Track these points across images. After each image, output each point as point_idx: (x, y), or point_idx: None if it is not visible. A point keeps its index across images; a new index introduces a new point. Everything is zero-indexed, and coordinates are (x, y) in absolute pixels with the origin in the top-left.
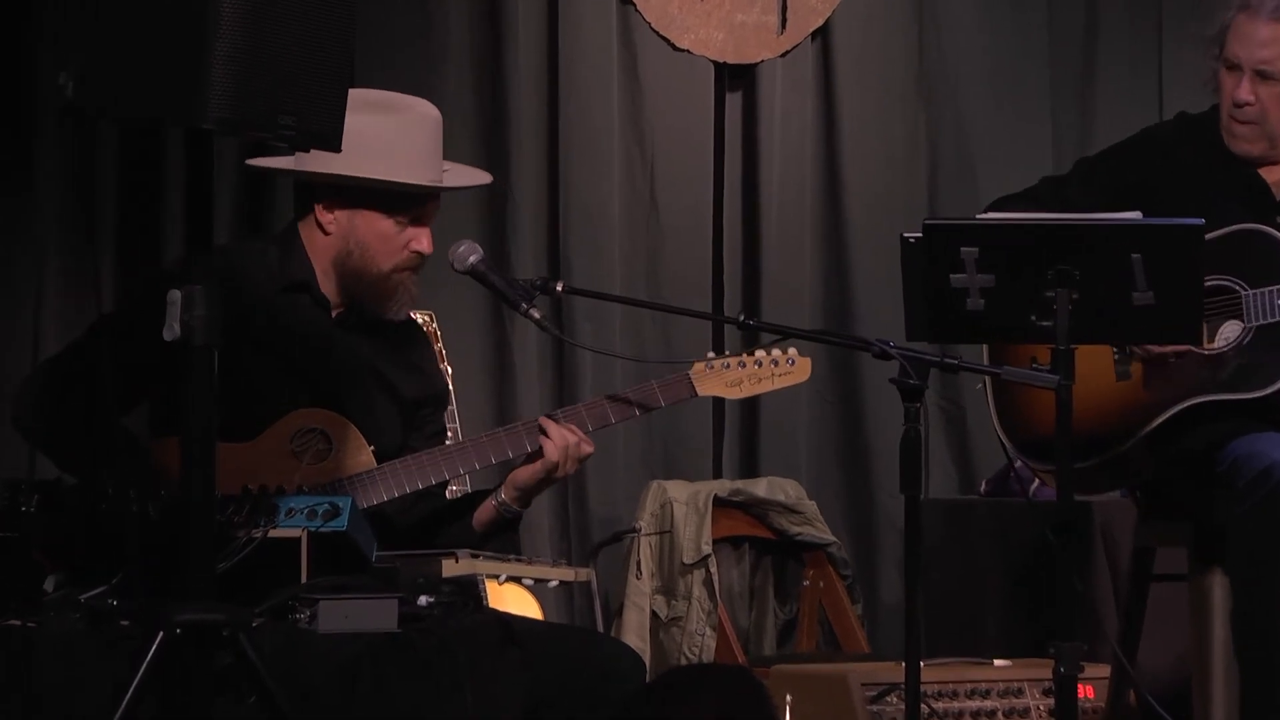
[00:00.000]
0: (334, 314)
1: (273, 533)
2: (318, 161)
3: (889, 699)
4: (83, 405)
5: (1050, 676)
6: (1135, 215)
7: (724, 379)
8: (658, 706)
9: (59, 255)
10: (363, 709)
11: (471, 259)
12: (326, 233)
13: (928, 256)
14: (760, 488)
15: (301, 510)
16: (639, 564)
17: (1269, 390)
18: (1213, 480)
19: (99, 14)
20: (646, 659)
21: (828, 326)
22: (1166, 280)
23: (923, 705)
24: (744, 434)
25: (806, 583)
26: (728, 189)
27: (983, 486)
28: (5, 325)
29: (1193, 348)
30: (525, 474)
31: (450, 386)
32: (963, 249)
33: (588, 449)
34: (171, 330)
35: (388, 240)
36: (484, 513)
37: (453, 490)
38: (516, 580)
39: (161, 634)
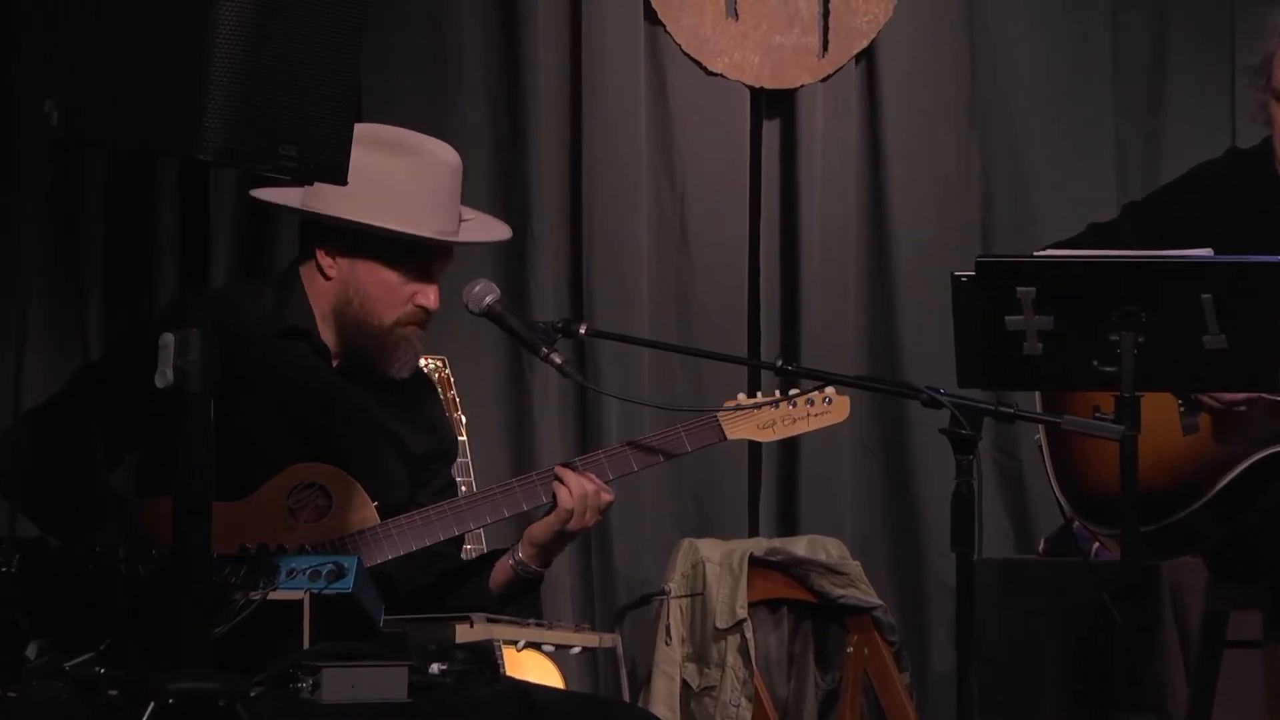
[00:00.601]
0: (334, 363)
1: (273, 595)
2: (323, 201)
3: None
4: (67, 461)
5: None
6: (1206, 252)
7: (755, 420)
8: None
9: (41, 297)
10: None
11: (488, 299)
12: (327, 277)
13: (981, 296)
14: (800, 546)
15: (304, 571)
16: (668, 629)
17: None
18: None
19: (87, 36)
20: None
21: (873, 372)
22: (1240, 322)
23: None
24: (782, 488)
25: (850, 649)
26: (764, 223)
27: (1041, 545)
28: None
29: (1264, 395)
30: (541, 528)
31: (463, 438)
32: (1019, 288)
33: (607, 497)
34: (164, 377)
35: (391, 291)
36: (500, 573)
37: (467, 550)
38: (536, 646)
39: (153, 704)
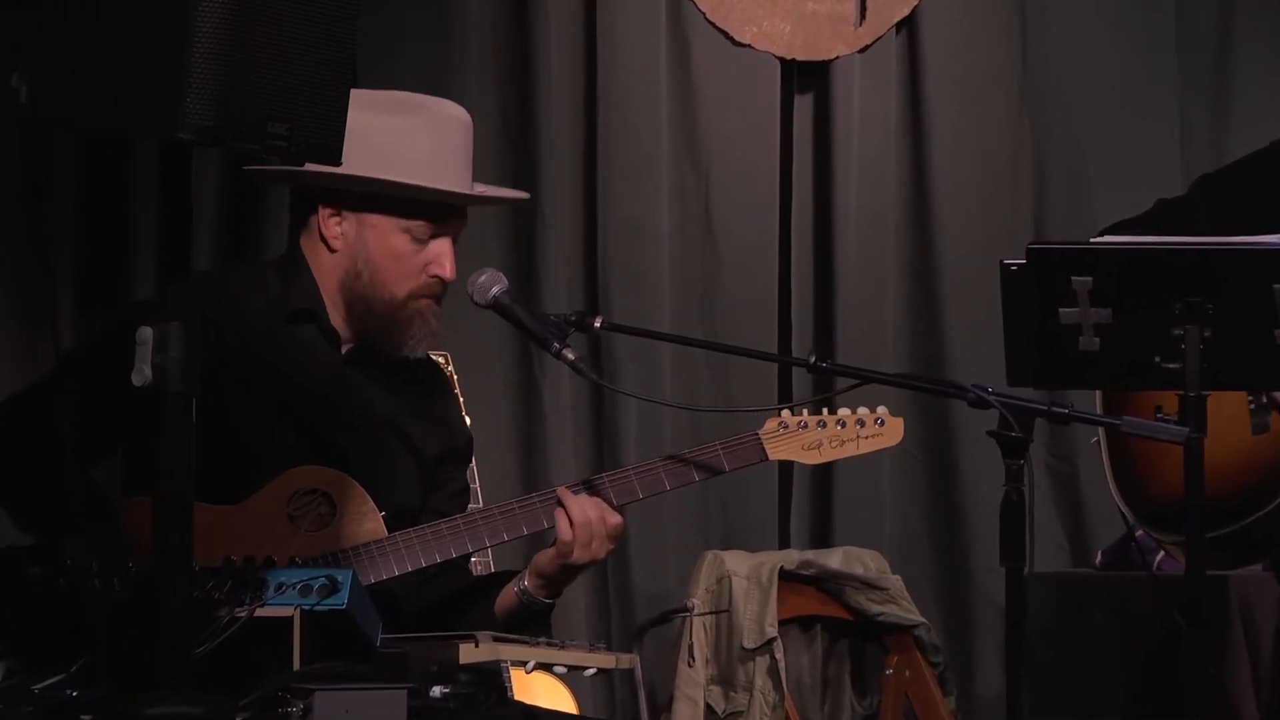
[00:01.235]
0: (344, 350)
1: (260, 611)
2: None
3: None
4: (36, 458)
5: None
6: (1277, 239)
7: (800, 441)
8: None
9: (10, 287)
10: None
11: (494, 290)
12: (332, 249)
13: (1033, 287)
14: (835, 559)
15: (294, 585)
16: (691, 649)
17: None
18: None
19: (59, 6)
20: None
21: (915, 369)
22: None
23: None
24: (815, 496)
25: (890, 671)
26: (796, 208)
27: (1098, 558)
28: None
29: None
30: (545, 559)
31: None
32: (1074, 279)
33: (614, 521)
34: (141, 374)
35: (402, 260)
36: (506, 599)
37: (474, 564)
38: (547, 668)
39: None
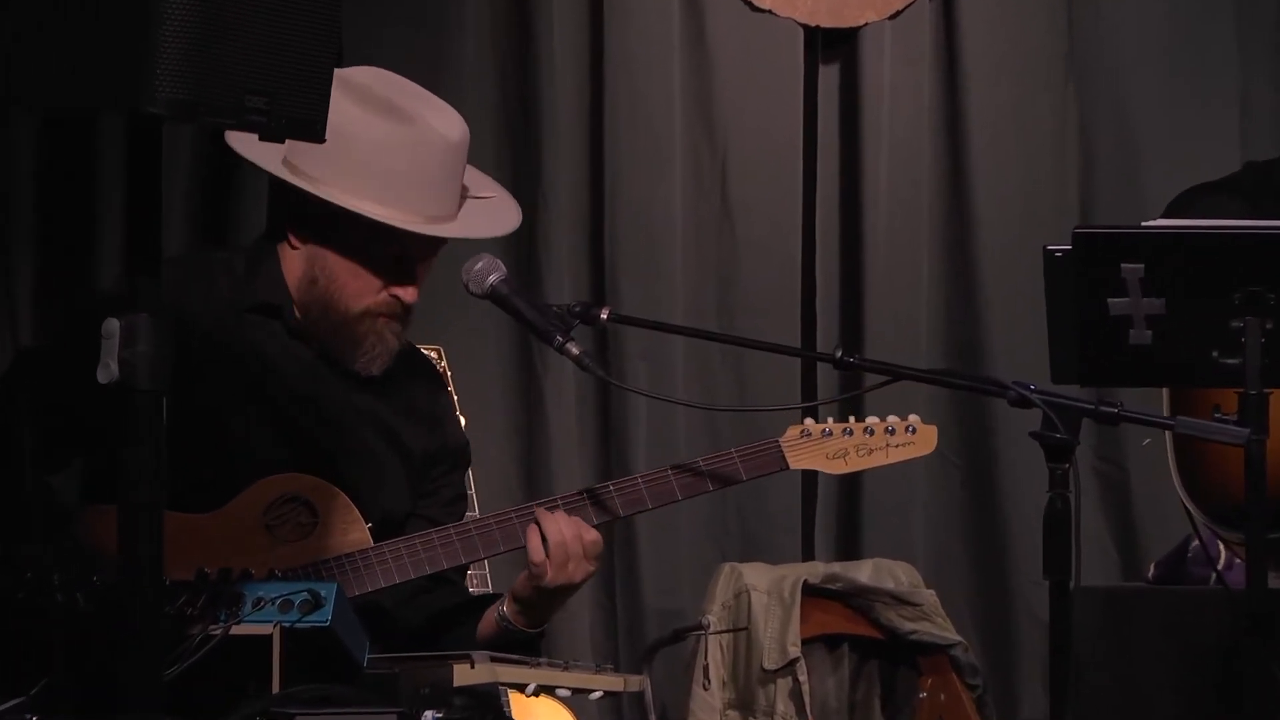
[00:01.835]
0: (315, 346)
1: (237, 629)
2: (301, 162)
3: None
4: None
5: None
6: None
7: (824, 449)
8: None
9: None
10: None
11: (491, 279)
12: (293, 246)
13: (1079, 275)
14: (863, 572)
15: (273, 600)
16: (706, 670)
17: None
18: None
19: None
20: None
21: (950, 365)
22: None
23: None
24: (842, 503)
25: (923, 694)
26: (821, 190)
27: (1151, 570)
28: None
29: None
30: (519, 583)
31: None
32: (1124, 266)
33: (591, 538)
34: (108, 370)
35: (359, 277)
36: (486, 625)
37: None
38: (549, 691)
39: None
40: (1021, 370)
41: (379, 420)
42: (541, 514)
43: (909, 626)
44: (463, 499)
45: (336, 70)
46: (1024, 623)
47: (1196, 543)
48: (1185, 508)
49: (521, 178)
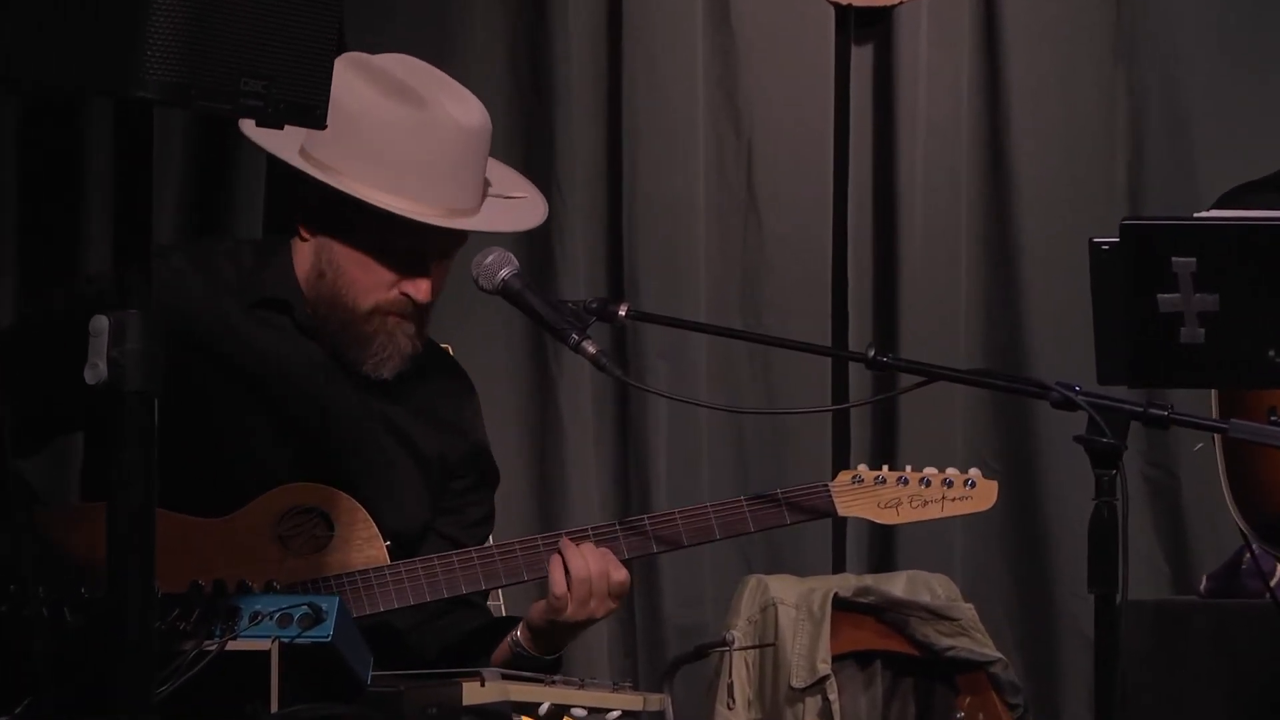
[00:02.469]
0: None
1: (233, 644)
2: (304, 146)
3: None
4: None
5: None
6: None
7: (876, 498)
8: None
9: None
10: None
11: (503, 273)
12: (303, 238)
13: (1128, 270)
14: (897, 585)
15: (272, 614)
16: (731, 688)
17: None
18: None
19: None
20: None
21: (990, 365)
22: None
23: None
24: None
25: (961, 714)
26: (853, 179)
27: (1203, 584)
28: None
29: None
30: (536, 611)
31: None
32: (1175, 260)
33: (619, 578)
34: (95, 370)
35: (370, 272)
36: (501, 651)
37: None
38: (564, 710)
39: None
40: (1065, 370)
41: (393, 424)
42: (567, 545)
43: (946, 642)
44: (489, 520)
45: (361, 55)
46: (1068, 639)
47: (1250, 555)
48: (1236, 523)
49: (535, 167)
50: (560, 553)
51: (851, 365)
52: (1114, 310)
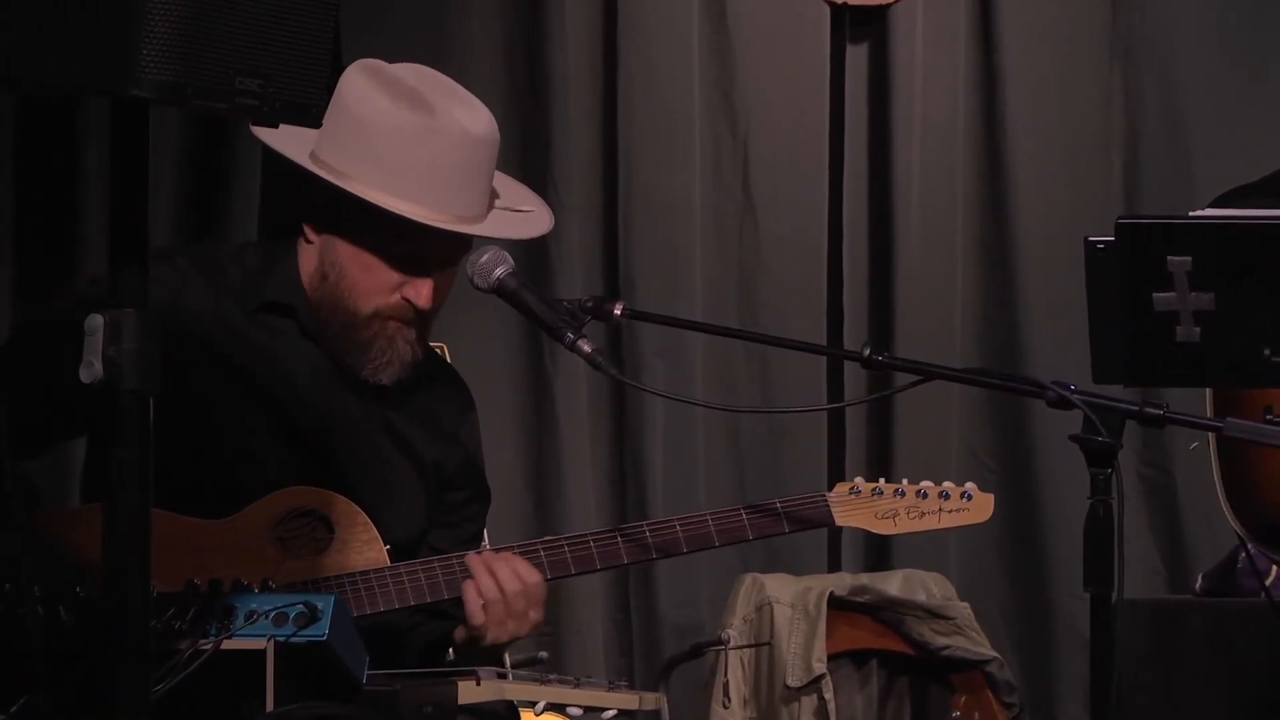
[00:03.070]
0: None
1: (228, 643)
2: (303, 149)
3: None
4: None
5: None
6: None
7: (873, 509)
8: None
9: None
10: None
11: (499, 272)
12: (308, 239)
13: (1123, 268)
14: (893, 584)
15: (267, 613)
16: (726, 687)
17: None
18: None
19: None
20: None
21: (985, 364)
22: None
23: None
24: None
25: (957, 713)
26: (849, 178)
27: (1199, 582)
28: None
29: None
30: (459, 636)
31: None
32: (1170, 258)
33: (533, 580)
34: (91, 369)
35: (372, 274)
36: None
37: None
38: (559, 709)
39: None
40: (1061, 369)
41: (393, 429)
42: (475, 565)
43: (941, 641)
44: (479, 539)
45: (376, 61)
46: (1063, 638)
47: (1245, 554)
48: (1230, 523)
49: (532, 166)
50: (470, 574)
51: (847, 364)
52: (1109, 309)
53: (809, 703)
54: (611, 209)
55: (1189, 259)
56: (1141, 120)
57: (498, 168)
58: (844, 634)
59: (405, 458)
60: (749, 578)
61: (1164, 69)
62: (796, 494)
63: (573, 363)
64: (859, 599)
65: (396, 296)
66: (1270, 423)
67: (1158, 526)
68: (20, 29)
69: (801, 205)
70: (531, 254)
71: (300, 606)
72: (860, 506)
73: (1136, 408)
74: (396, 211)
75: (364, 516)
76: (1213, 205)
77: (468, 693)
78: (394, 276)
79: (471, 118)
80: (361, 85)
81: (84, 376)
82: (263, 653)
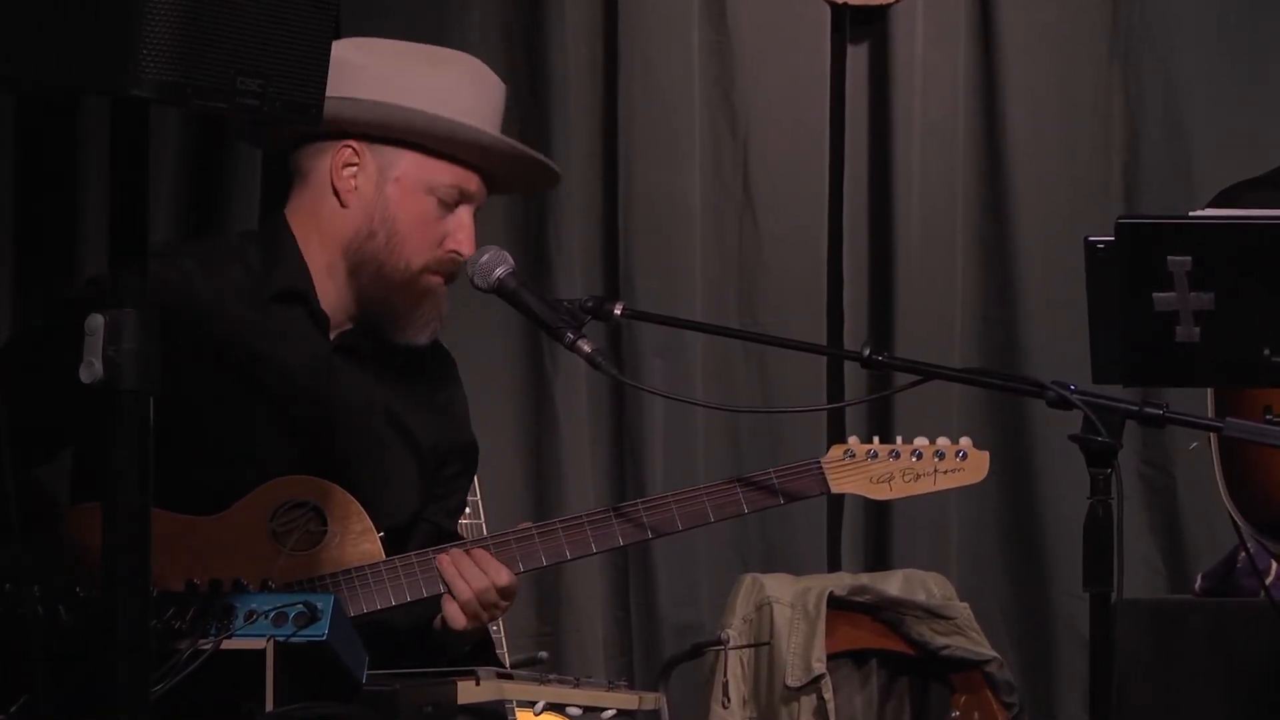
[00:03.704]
0: (332, 336)
1: (228, 643)
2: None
3: None
4: None
5: None
6: None
7: (868, 473)
8: None
9: None
10: None
11: (499, 272)
12: (344, 204)
13: (1123, 268)
14: (893, 584)
15: (267, 613)
16: (726, 687)
17: None
18: None
19: None
20: None
21: (985, 364)
22: None
23: None
24: (871, 510)
25: (957, 713)
26: (849, 178)
27: (1199, 582)
28: None
29: None
30: (438, 624)
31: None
32: (1170, 258)
33: (505, 582)
34: (91, 369)
35: (425, 225)
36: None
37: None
38: (559, 709)
39: None
40: (1061, 369)
41: (389, 416)
42: (445, 569)
43: (941, 641)
44: (464, 506)
45: (353, 39)
46: (1063, 638)
47: (1245, 554)
48: (1232, 518)
49: None
50: (442, 579)
51: (847, 364)
52: (1109, 309)
53: (809, 703)
54: (612, 209)
55: (1189, 259)
56: (1141, 120)
57: None
58: (844, 634)
59: (404, 444)
60: (749, 578)
61: (1164, 69)
62: (790, 462)
63: (573, 363)
64: (859, 599)
65: (441, 249)
66: (1270, 423)
67: (1158, 526)
68: (20, 28)
69: (801, 204)
70: (531, 253)
71: (300, 606)
72: (855, 470)
73: (1136, 408)
74: (481, 129)
75: (357, 506)
76: (1218, 198)
77: (467, 693)
78: (439, 229)
79: (479, 63)
80: (354, 51)
81: (84, 376)
82: (262, 653)
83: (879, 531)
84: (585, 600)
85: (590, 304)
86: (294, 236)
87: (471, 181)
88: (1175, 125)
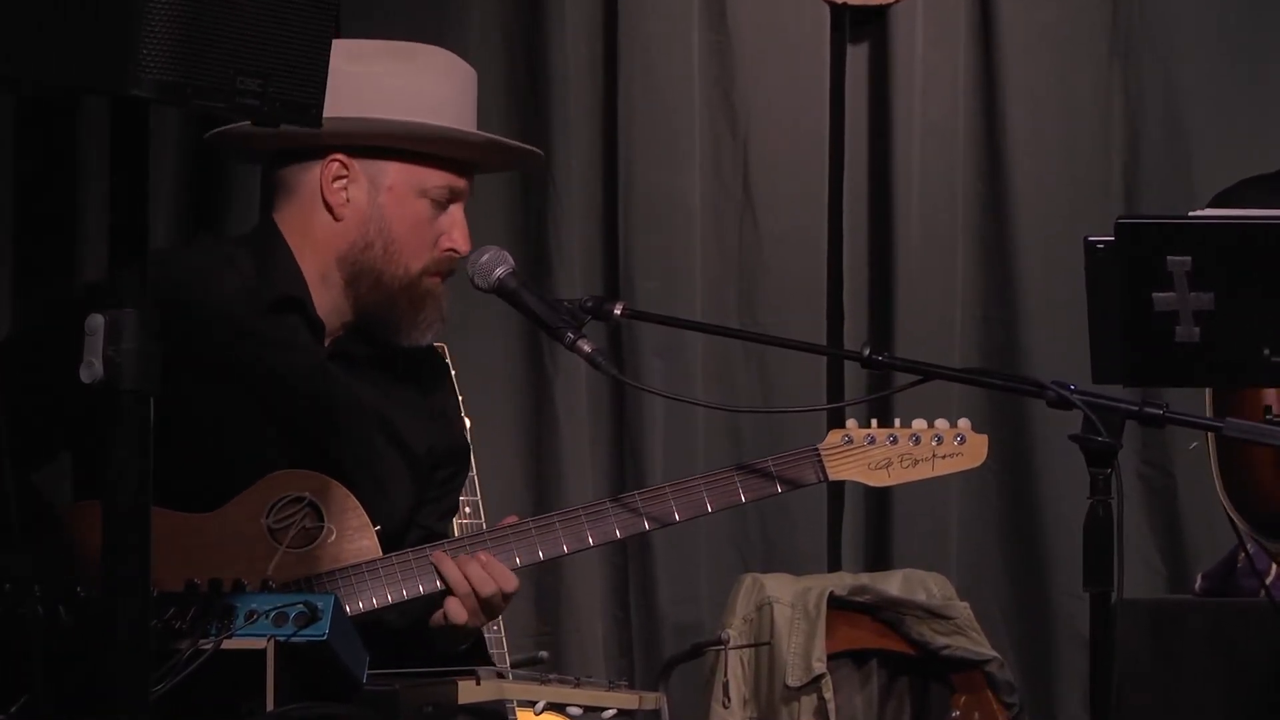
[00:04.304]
0: (326, 342)
1: (228, 643)
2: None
3: None
4: None
5: None
6: None
7: (866, 459)
8: None
9: None
10: None
11: (499, 272)
12: (337, 217)
13: (1123, 268)
14: (893, 584)
15: (267, 613)
16: (726, 687)
17: None
18: None
19: None
20: None
21: (985, 364)
22: None
23: None
24: (871, 510)
25: (957, 713)
26: (849, 179)
27: (1199, 582)
28: None
29: None
30: (435, 620)
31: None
32: (1170, 258)
33: (511, 588)
34: (91, 369)
35: (420, 229)
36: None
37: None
38: (559, 709)
39: None
40: (1061, 369)
41: (383, 421)
42: (442, 562)
43: (941, 641)
44: (454, 512)
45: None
46: (1063, 638)
47: (1245, 554)
48: (1229, 518)
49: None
50: (439, 576)
51: (847, 364)
52: (1109, 309)
53: (809, 703)
54: (612, 209)
55: (1189, 259)
56: (1141, 120)
57: None
58: (844, 634)
59: (398, 450)
60: (749, 577)
61: (1164, 69)
62: (788, 449)
63: (573, 363)
64: (859, 599)
65: (438, 250)
66: (1270, 422)
67: (1157, 526)
68: (20, 28)
69: (801, 204)
70: (531, 253)
71: (300, 606)
72: (853, 457)
73: (1136, 408)
74: (424, 120)
75: (354, 502)
76: (1219, 198)
77: (468, 693)
78: (433, 230)
79: (451, 54)
80: (341, 65)
81: (84, 376)
82: (263, 653)
83: (879, 531)
84: (585, 600)
85: (590, 304)
86: (286, 243)
87: (460, 179)
88: (1175, 125)
